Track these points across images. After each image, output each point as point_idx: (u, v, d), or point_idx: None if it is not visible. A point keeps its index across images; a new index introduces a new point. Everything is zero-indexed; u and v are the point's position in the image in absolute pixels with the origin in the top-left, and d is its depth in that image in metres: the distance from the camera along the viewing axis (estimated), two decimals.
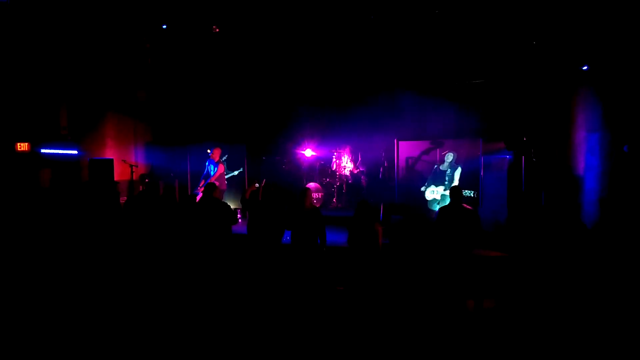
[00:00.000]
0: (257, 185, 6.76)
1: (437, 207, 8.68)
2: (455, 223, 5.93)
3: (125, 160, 10.65)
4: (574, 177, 8.23)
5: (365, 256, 5.65)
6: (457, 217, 5.94)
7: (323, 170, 11.32)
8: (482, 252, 7.11)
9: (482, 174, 8.53)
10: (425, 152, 9.17)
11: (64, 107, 9.65)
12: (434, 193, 9.01)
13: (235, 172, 10.64)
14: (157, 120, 12.59)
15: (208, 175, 9.74)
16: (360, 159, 11.26)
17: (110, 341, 4.87)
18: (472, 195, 8.49)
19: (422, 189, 9.14)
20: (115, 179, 9.92)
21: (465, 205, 6.05)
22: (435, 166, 9.02)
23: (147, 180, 10.95)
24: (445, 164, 8.92)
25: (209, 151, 10.11)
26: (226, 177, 10.33)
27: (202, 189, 8.51)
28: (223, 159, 10.41)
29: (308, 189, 6.45)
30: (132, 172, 10.53)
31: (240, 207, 9.82)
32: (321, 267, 6.15)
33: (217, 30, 9.07)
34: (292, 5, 8.37)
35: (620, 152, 7.15)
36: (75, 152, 9.67)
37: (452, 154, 8.87)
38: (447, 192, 8.59)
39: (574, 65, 8.11)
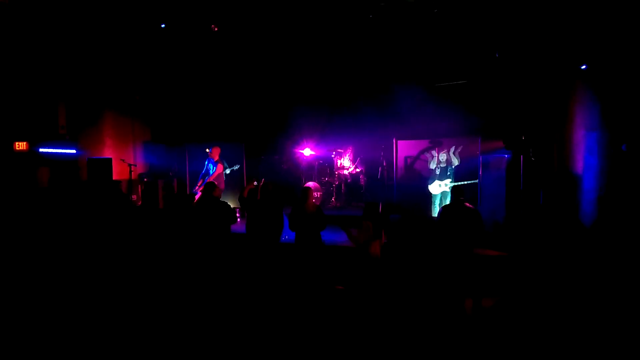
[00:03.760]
0: (255, 183, 6.75)
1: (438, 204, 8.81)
2: (458, 222, 5.92)
3: (124, 160, 10.65)
4: (572, 177, 8.23)
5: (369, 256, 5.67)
6: (459, 216, 5.93)
7: (322, 169, 11.32)
8: (480, 251, 7.11)
9: (480, 172, 8.54)
10: (424, 151, 9.17)
11: (63, 106, 9.64)
12: (441, 187, 9.06)
13: (235, 167, 10.58)
14: (156, 119, 12.59)
15: (207, 174, 9.73)
16: (359, 158, 11.27)
17: (109, 340, 4.86)
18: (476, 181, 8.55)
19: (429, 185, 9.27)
20: (114, 178, 9.92)
21: (467, 204, 6.04)
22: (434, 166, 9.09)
23: (145, 179, 10.97)
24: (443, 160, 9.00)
25: (208, 150, 10.10)
26: (226, 171, 10.30)
27: (202, 188, 8.51)
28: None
29: (309, 187, 6.45)
30: (130, 171, 10.53)
31: (239, 206, 9.83)
32: (323, 267, 6.16)
33: (216, 29, 9.05)
34: (291, 4, 8.36)
35: (618, 151, 7.15)
36: (73, 151, 9.66)
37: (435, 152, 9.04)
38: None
39: (572, 64, 8.11)
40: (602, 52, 7.50)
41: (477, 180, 8.59)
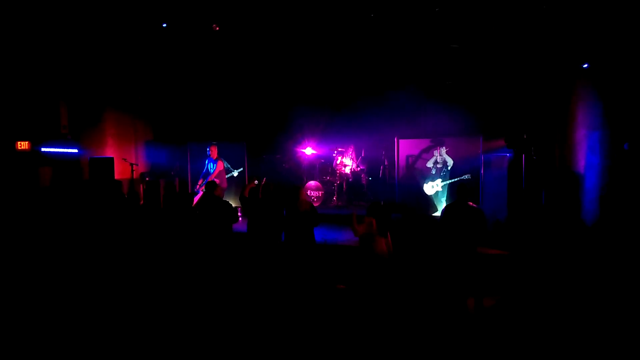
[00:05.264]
0: (256, 182, 6.75)
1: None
2: (461, 221, 5.89)
3: (125, 159, 10.66)
4: (574, 175, 8.22)
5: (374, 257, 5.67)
6: (463, 215, 5.91)
7: (323, 168, 11.32)
8: (482, 250, 7.11)
9: (482, 172, 8.52)
10: (426, 150, 9.17)
11: (64, 106, 9.65)
12: (434, 187, 9.07)
13: (235, 173, 10.61)
14: (158, 118, 12.60)
15: (207, 174, 9.73)
16: (360, 157, 11.26)
17: (111, 340, 4.87)
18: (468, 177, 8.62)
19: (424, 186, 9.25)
20: (116, 177, 9.94)
21: (471, 203, 6.00)
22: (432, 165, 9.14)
23: (147, 178, 10.98)
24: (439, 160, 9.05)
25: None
26: (226, 176, 10.32)
27: (203, 187, 8.50)
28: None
29: (298, 187, 6.45)
30: (132, 170, 10.54)
31: (240, 205, 9.83)
32: (318, 266, 6.15)
33: (217, 28, 9.05)
34: (293, 4, 8.35)
35: (620, 150, 7.13)
36: (75, 150, 9.68)
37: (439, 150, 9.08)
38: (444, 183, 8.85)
39: (574, 63, 8.09)
40: (603, 50, 7.48)
41: (467, 176, 8.61)
